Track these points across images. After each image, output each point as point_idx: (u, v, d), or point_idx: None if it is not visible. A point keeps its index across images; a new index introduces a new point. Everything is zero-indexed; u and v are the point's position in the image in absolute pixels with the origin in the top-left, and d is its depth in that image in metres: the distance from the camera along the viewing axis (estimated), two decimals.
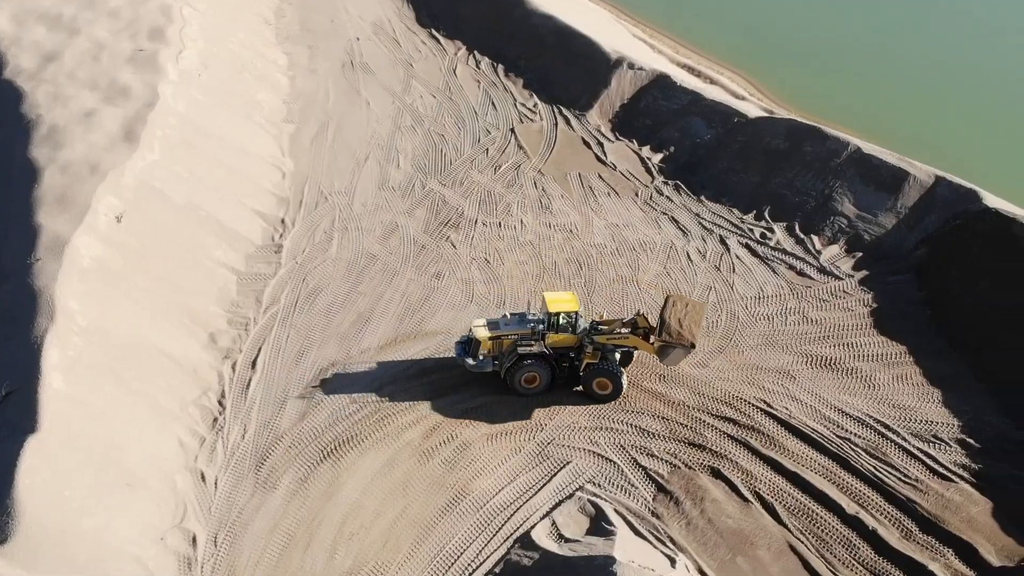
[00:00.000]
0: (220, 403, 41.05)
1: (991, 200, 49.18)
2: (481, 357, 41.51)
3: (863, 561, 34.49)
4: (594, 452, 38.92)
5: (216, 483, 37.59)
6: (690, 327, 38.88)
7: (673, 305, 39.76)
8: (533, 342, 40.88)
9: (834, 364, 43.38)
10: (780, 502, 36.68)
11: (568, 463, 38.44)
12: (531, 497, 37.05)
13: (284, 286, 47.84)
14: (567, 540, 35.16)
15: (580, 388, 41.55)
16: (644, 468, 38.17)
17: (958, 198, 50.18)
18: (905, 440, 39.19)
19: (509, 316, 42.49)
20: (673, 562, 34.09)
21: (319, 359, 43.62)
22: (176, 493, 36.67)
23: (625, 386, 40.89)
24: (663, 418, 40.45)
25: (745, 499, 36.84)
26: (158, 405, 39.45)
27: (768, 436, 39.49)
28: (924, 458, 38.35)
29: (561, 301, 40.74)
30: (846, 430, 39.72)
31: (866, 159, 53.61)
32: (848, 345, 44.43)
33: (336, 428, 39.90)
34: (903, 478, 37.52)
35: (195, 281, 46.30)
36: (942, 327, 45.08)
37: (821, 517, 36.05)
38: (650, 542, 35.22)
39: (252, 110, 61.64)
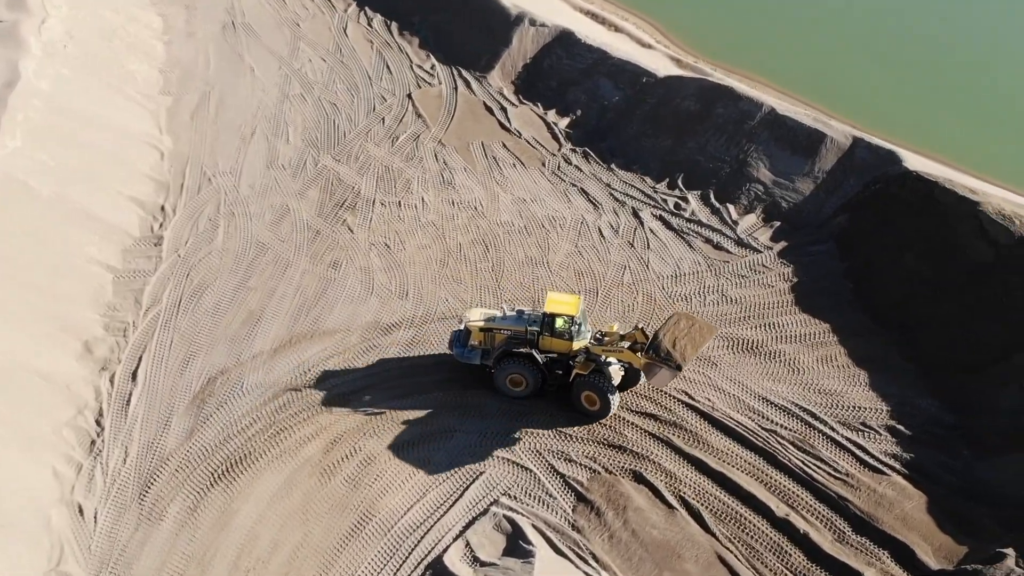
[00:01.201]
0: (98, 423, 37.43)
1: (912, 162, 47.35)
2: (470, 348, 38.82)
3: (795, 569, 32.63)
4: (509, 460, 36.33)
5: (96, 517, 34.21)
6: (684, 349, 34.78)
7: (675, 323, 35.83)
8: (524, 342, 37.87)
9: (756, 347, 41.26)
10: (706, 507, 34.57)
11: (481, 474, 35.79)
12: (442, 515, 34.38)
13: (166, 284, 43.95)
14: (482, 564, 32.69)
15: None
16: (562, 475, 35.70)
17: (877, 160, 48.27)
18: (833, 430, 37.32)
19: (507, 310, 39.44)
20: None
21: (207, 366, 40.08)
22: (51, 532, 33.25)
23: (614, 407, 37.42)
24: (581, 415, 37.90)
25: (670, 505, 34.63)
26: (26, 430, 35.77)
27: (691, 432, 37.28)
28: (854, 449, 36.56)
29: (560, 303, 37.39)
30: (772, 421, 37.72)
31: (781, 121, 51.29)
32: (770, 326, 42.33)
33: (227, 446, 36.61)
34: (833, 473, 35.68)
35: (65, 283, 42.20)
36: (866, 302, 43.25)
37: (750, 522, 34.05)
38: (571, 560, 32.87)
39: (125, 83, 56.81)
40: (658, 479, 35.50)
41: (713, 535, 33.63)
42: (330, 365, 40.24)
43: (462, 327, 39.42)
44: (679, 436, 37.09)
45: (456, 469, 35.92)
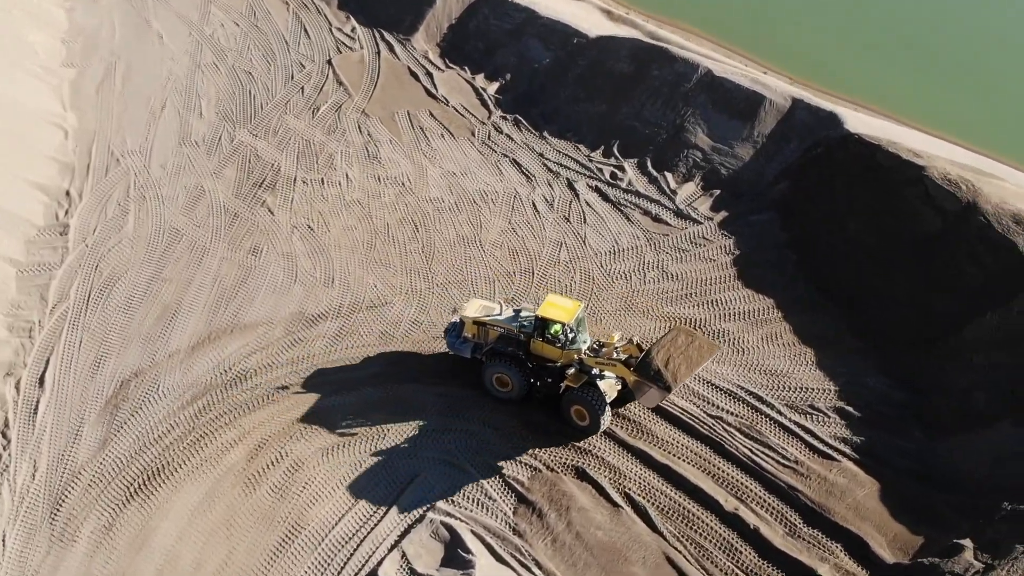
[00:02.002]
0: (3, 435, 34.78)
1: (853, 123, 45.78)
2: (463, 339, 36.77)
3: (746, 567, 31.25)
4: (445, 460, 34.42)
5: (3, 540, 31.70)
6: (677, 368, 31.88)
7: (673, 339, 32.91)
8: (515, 343, 35.48)
9: (699, 327, 39.70)
10: (653, 503, 33.03)
11: (416, 476, 33.84)
12: (376, 524, 32.41)
13: (73, 277, 41.05)
14: None
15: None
16: (502, 475, 33.89)
17: (817, 123, 46.68)
18: (780, 413, 35.94)
19: (505, 305, 36.95)
20: None
21: (119, 368, 37.47)
22: None
23: (604, 424, 34.72)
24: (520, 410, 36.09)
25: (615, 503, 33.01)
26: None
27: (634, 422, 35.68)
28: (802, 434, 35.23)
29: (555, 307, 34.53)
30: (717, 407, 36.24)
31: (718, 83, 49.38)
32: (713, 303, 40.74)
33: (143, 457, 34.22)
34: (782, 461, 34.33)
35: None
36: (811, 274, 41.86)
37: (698, 518, 32.58)
38: (513, 568, 31.17)
39: (23, 56, 53.07)
40: (602, 475, 33.86)
41: (660, 534, 32.12)
42: (252, 362, 37.88)
43: (457, 319, 37.16)
44: (623, 426, 35.47)
45: (389, 472, 33.95)
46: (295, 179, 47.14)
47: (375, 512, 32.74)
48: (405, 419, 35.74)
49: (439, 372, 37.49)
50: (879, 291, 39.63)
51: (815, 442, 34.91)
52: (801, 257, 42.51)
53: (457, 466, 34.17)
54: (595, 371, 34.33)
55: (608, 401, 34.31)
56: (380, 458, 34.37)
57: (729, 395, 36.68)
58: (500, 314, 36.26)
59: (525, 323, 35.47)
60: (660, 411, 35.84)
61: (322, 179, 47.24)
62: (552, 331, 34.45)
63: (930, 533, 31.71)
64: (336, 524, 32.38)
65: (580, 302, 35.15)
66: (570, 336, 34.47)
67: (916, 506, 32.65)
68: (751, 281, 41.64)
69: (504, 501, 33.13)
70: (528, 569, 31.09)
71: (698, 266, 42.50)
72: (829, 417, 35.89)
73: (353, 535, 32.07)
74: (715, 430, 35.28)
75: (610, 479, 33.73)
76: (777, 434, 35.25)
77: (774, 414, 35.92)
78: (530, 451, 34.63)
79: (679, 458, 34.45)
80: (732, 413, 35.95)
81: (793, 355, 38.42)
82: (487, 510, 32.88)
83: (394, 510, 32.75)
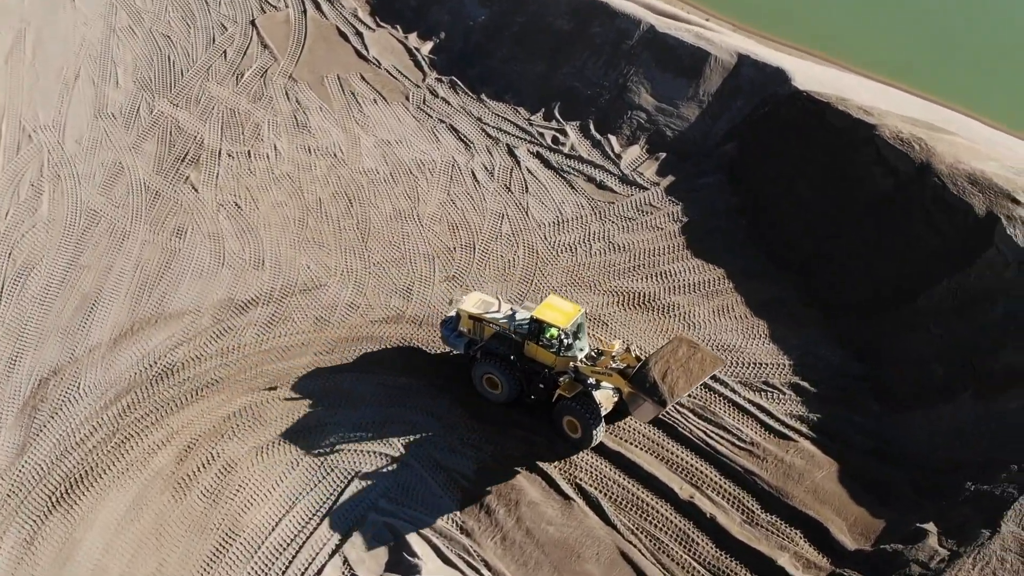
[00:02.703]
0: None
1: (802, 79, 44.16)
2: (458, 333, 34.51)
3: (704, 559, 29.96)
4: (386, 454, 32.69)
5: None
6: (674, 383, 29.39)
7: (673, 350, 30.27)
8: (508, 343, 33.26)
9: (648, 301, 38.16)
10: (605, 494, 31.61)
11: (356, 474, 32.08)
12: (315, 528, 30.67)
13: None
14: None
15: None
16: (446, 469, 32.25)
17: (764, 79, 45.04)
18: (734, 392, 34.64)
19: (504, 303, 34.52)
20: None
21: (37, 366, 35.14)
22: None
23: (597, 439, 32.37)
24: (463, 399, 34.43)
25: (566, 496, 31.53)
26: None
27: None
28: (758, 413, 33.96)
29: (552, 310, 32.05)
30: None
31: (661, 39, 47.43)
32: (662, 275, 39.20)
33: (65, 463, 32.09)
34: (737, 443, 33.06)
35: None
36: (761, 240, 40.48)
37: (653, 508, 31.23)
38: (461, 571, 29.64)
39: None
40: (551, 466, 32.36)
41: (614, 527, 30.71)
42: (179, 355, 35.75)
43: (453, 312, 34.96)
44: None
45: (328, 471, 32.17)
46: (220, 152, 44.67)
47: (314, 515, 31.01)
48: (343, 412, 33.95)
49: (378, 360, 35.67)
50: (832, 258, 38.36)
51: (771, 421, 33.68)
52: (751, 222, 41.11)
53: (400, 461, 32.49)
54: (591, 380, 31.97)
55: (603, 414, 32.15)
56: (318, 455, 32.58)
57: None
58: (498, 311, 34.00)
59: (520, 325, 33.18)
60: None
61: (249, 152, 44.84)
62: (548, 335, 32.18)
63: (891, 516, 30.65)
64: (273, 529, 30.60)
65: (580, 307, 32.49)
66: (566, 342, 32.16)
67: (876, 487, 31.56)
68: (700, 250, 40.14)
69: (450, 497, 31.53)
70: (477, 571, 29.59)
71: (645, 235, 40.90)
72: (784, 394, 34.66)
73: (291, 541, 30.33)
74: (668, 412, 33.78)
75: (560, 470, 32.26)
76: (732, 414, 33.97)
77: (728, 393, 34.61)
78: (476, 442, 33.03)
79: (632, 444, 33.06)
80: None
81: (746, 328, 37.07)
82: (432, 508, 31.25)
83: (334, 512, 31.02)
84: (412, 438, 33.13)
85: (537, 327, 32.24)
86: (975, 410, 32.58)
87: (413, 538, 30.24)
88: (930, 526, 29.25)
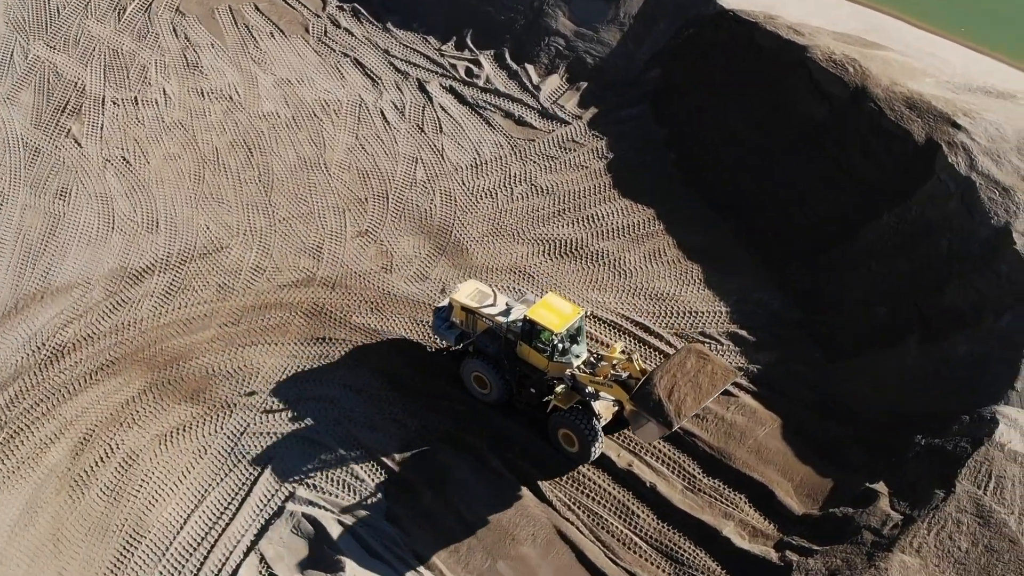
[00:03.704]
0: None
1: None
2: (449, 324, 31.32)
3: (645, 533, 28.26)
4: (302, 436, 30.29)
5: None
6: (682, 401, 26.39)
7: (681, 362, 27.13)
8: (499, 342, 30.15)
9: (576, 249, 35.91)
10: (538, 467, 29.63)
11: (270, 460, 29.69)
12: (228, 523, 28.34)
13: None
14: None
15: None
16: (368, 449, 29.98)
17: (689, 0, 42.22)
18: (670, 345, 32.75)
19: (500, 295, 31.19)
20: None
21: None
22: None
23: (596, 453, 29.35)
24: (383, 369, 32.04)
25: (497, 472, 29.50)
26: None
27: None
28: None
29: (548, 311, 28.82)
30: (601, 343, 32.75)
31: None
32: (589, 218, 36.91)
33: None
34: None
35: None
36: (691, 176, 38.32)
37: (589, 480, 29.41)
38: (388, 563, 27.57)
39: None
40: (479, 438, 30.22)
41: (549, 504, 28.82)
42: (70, 334, 32.77)
43: (445, 302, 31.90)
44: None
45: (239, 457, 29.75)
46: (104, 100, 40.98)
47: (225, 509, 28.67)
48: (253, 389, 31.35)
49: (289, 329, 33.03)
50: (766, 194, 36.42)
51: None
52: (680, 157, 38.92)
53: (317, 442, 30.15)
54: (589, 389, 28.97)
55: (603, 424, 29.28)
56: (227, 440, 30.14)
57: (613, 327, 33.30)
58: (493, 304, 30.82)
59: (514, 323, 29.98)
60: None
61: (135, 98, 41.22)
62: (542, 337, 29.23)
63: (839, 475, 29.24)
64: (181, 528, 28.24)
65: (580, 308, 29.25)
66: (560, 346, 29.09)
67: (821, 444, 30.06)
68: (628, 190, 37.85)
69: (374, 481, 29.34)
70: (405, 562, 27.55)
71: (569, 175, 38.43)
72: (722, 344, 32.86)
73: (202, 539, 28.03)
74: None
75: (490, 444, 30.13)
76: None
77: (663, 346, 32.72)
78: (399, 417, 30.77)
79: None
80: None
81: (679, 274, 35.08)
82: (355, 493, 29.05)
83: (248, 504, 28.72)
84: (330, 416, 30.81)
85: (530, 328, 29.11)
86: (922, 355, 31.13)
87: (335, 529, 28.13)
88: (880, 487, 27.88)
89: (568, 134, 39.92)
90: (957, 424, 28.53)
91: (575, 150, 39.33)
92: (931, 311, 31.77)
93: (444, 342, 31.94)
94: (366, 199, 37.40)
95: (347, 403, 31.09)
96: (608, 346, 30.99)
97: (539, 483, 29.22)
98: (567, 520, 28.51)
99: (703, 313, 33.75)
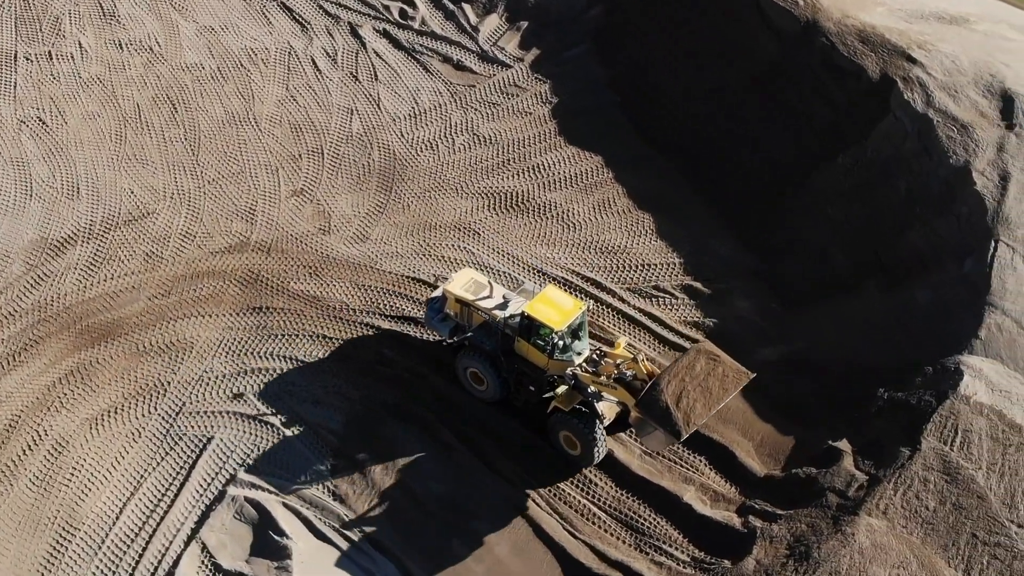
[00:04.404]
0: None
1: None
2: (443, 316, 29.31)
3: (604, 503, 27.23)
4: (242, 414, 28.84)
5: None
6: (691, 407, 24.61)
7: (690, 365, 25.25)
8: (495, 337, 28.20)
9: (522, 201, 34.45)
10: (491, 437, 28.46)
11: (209, 441, 28.24)
12: (167, 511, 26.98)
13: None
14: (226, 574, 25.93)
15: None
16: (311, 424, 28.61)
17: None
18: (623, 301, 31.62)
19: (497, 287, 29.16)
20: None
21: None
22: None
23: (600, 456, 27.46)
24: (325, 337, 30.53)
25: (447, 445, 28.27)
26: None
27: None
28: (650, 323, 31.13)
29: (548, 306, 26.89)
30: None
31: None
32: (534, 168, 35.41)
33: None
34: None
35: None
36: (639, 120, 36.88)
37: (543, 450, 28.17)
38: (337, 546, 26.39)
39: None
40: (427, 409, 28.92)
41: (503, 476, 27.67)
42: None
43: (438, 292, 29.87)
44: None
45: (175, 440, 28.29)
46: (15, 56, 38.67)
47: (163, 496, 27.32)
48: (188, 365, 29.87)
49: (223, 298, 31.36)
50: (718, 137, 35.07)
51: (665, 332, 30.88)
52: (626, 100, 37.33)
53: (257, 420, 28.74)
54: (591, 388, 26.98)
55: (606, 424, 27.45)
56: (162, 422, 28.64)
57: (564, 285, 31.90)
58: (490, 296, 28.83)
59: (512, 317, 28.00)
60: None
61: (49, 52, 38.91)
62: (541, 333, 27.25)
63: (801, 433, 28.37)
64: (117, 518, 26.90)
65: (582, 303, 27.45)
66: (560, 344, 27.19)
67: (781, 400, 29.13)
68: (574, 136, 36.33)
69: (318, 459, 28.02)
70: (355, 544, 26.37)
71: (513, 123, 36.80)
72: (677, 298, 31.74)
73: (140, 530, 26.69)
74: None
75: (438, 414, 28.84)
76: (622, 327, 30.96)
77: (616, 303, 31.55)
78: (343, 389, 29.37)
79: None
80: None
81: (630, 224, 33.78)
82: (299, 472, 27.73)
83: (186, 489, 27.37)
84: (270, 391, 29.36)
85: (528, 324, 27.19)
86: (882, 304, 30.29)
87: (280, 513, 26.88)
88: (844, 444, 27.08)
89: (509, 78, 38.20)
90: (921, 376, 27.74)
91: (517, 95, 37.64)
92: (890, 257, 30.93)
93: (437, 335, 29.87)
94: (300, 155, 35.57)
95: (287, 376, 29.64)
96: (612, 343, 28.84)
97: (491, 455, 28.03)
98: (524, 492, 27.41)
99: (656, 266, 32.53)
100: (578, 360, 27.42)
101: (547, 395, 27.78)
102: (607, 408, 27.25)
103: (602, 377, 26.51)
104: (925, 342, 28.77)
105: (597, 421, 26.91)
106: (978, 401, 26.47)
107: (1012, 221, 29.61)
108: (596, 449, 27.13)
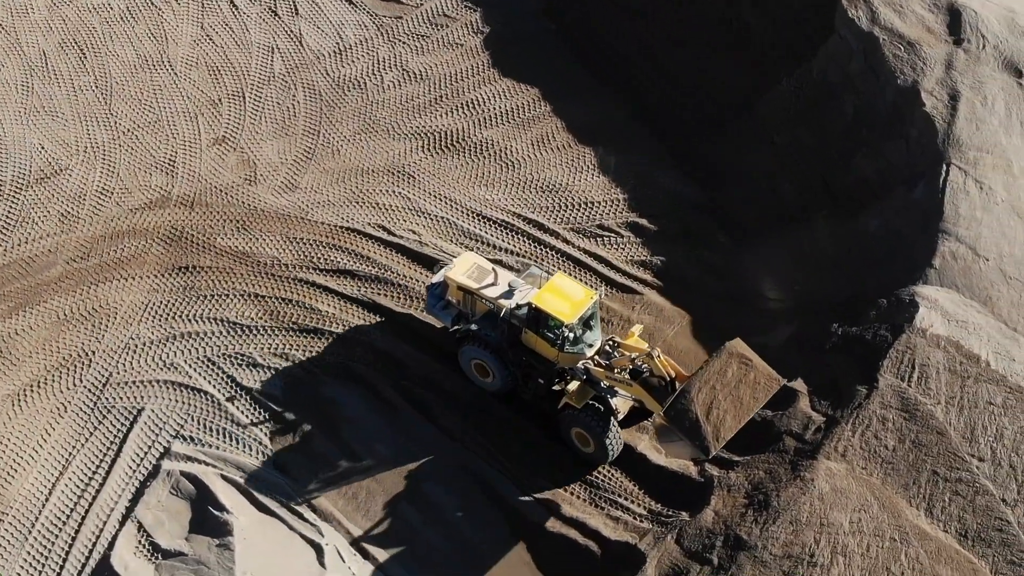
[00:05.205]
0: None
1: None
2: (444, 303, 27.51)
3: (557, 458, 26.30)
4: (173, 381, 27.46)
5: None
6: (721, 419, 22.99)
7: (721, 369, 23.47)
8: (500, 327, 26.32)
9: (458, 140, 32.97)
10: (438, 395, 27.34)
11: (140, 411, 26.87)
12: (99, 490, 25.70)
13: None
14: (165, 553, 24.68)
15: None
16: (248, 389, 27.34)
17: None
18: (568, 243, 30.58)
19: (498, 272, 27.16)
20: (320, 549, 24.58)
21: None
22: None
23: (615, 453, 25.67)
24: (257, 296, 29.09)
25: (392, 404, 27.14)
26: None
27: (401, 286, 29.30)
28: (595, 264, 30.05)
29: (557, 296, 24.97)
30: (494, 246, 30.31)
31: None
32: (469, 104, 33.83)
33: None
34: None
35: None
36: (575, 48, 35.39)
37: (493, 404, 27.16)
38: (282, 519, 25.29)
39: None
40: (369, 369, 27.70)
41: (451, 434, 26.62)
42: None
43: (439, 278, 27.86)
44: (388, 294, 29.14)
45: (103, 413, 26.90)
46: None
47: (94, 473, 26.03)
48: (113, 332, 28.34)
49: (146, 259, 29.71)
50: (658, 65, 33.74)
51: (611, 273, 29.86)
52: (561, 26, 35.69)
53: (190, 387, 27.40)
54: (603, 384, 25.38)
55: (620, 419, 25.93)
56: (88, 394, 27.18)
57: (505, 228, 30.78)
58: (495, 282, 27.01)
59: (518, 306, 26.22)
60: (428, 264, 29.57)
61: None
62: (550, 325, 25.33)
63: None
64: (47, 500, 25.57)
65: (593, 292, 25.49)
66: (571, 336, 25.35)
67: (733, 338, 28.17)
68: (509, 68, 34.76)
69: (257, 426, 26.78)
70: (300, 516, 25.30)
71: (444, 56, 35.08)
72: (622, 237, 30.64)
73: (71, 511, 25.44)
74: None
75: (383, 372, 27.64)
76: (566, 270, 29.73)
77: (560, 244, 30.41)
78: (278, 350, 28.03)
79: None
80: (512, 252, 30.05)
81: (570, 160, 32.45)
82: (237, 442, 26.52)
83: (118, 465, 26.08)
84: (201, 355, 27.96)
85: (536, 315, 25.39)
86: (832, 234, 29.39)
87: (219, 486, 25.69)
88: (799, 385, 26.38)
89: (438, 7, 36.39)
90: (875, 309, 26.92)
91: (447, 25, 35.87)
92: (839, 185, 30.04)
93: (442, 322, 27.88)
94: (219, 100, 33.66)
95: (219, 339, 28.22)
96: (625, 331, 27.29)
97: (437, 414, 26.93)
98: (472, 452, 26.42)
99: (600, 203, 31.35)
100: (590, 352, 25.76)
101: (557, 388, 26.21)
102: (621, 403, 25.77)
103: (616, 371, 24.82)
104: (878, 273, 28.01)
105: (612, 418, 25.38)
106: (934, 333, 25.76)
107: (963, 143, 28.70)
108: (611, 446, 25.54)
